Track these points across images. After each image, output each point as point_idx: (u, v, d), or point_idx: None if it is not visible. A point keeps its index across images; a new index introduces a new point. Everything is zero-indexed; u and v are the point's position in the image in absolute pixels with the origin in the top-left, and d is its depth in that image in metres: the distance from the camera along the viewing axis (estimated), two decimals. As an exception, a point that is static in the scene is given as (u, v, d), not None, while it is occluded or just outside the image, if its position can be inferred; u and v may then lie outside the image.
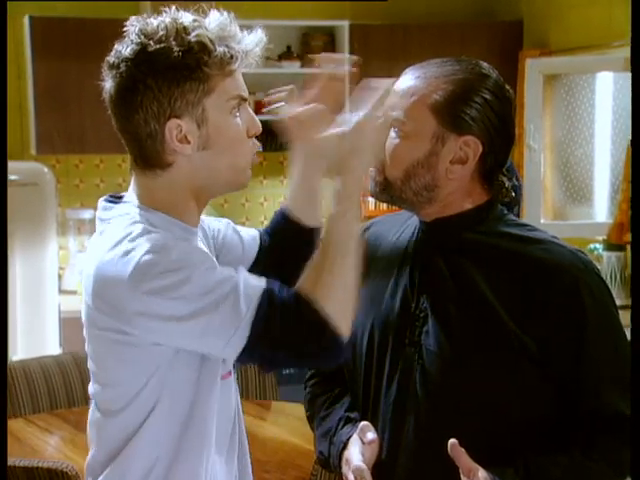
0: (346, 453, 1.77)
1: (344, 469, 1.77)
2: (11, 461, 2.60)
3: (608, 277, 4.47)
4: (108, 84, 1.60)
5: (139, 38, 1.56)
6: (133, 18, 1.60)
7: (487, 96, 1.71)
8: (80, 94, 4.66)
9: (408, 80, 1.75)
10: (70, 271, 4.92)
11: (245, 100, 1.65)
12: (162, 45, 1.55)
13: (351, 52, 5.02)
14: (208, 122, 1.60)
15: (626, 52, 4.21)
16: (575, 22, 4.92)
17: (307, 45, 5.24)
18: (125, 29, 1.59)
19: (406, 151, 1.73)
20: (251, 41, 1.62)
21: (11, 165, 3.51)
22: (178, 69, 1.55)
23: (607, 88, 4.90)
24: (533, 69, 4.94)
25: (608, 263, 4.56)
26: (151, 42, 1.55)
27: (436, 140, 1.71)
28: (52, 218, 4.63)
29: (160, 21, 1.57)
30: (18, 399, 3.60)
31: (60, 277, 4.84)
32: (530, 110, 4.95)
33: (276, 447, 3.10)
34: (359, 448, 1.75)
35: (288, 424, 3.35)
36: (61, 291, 4.77)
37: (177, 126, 1.57)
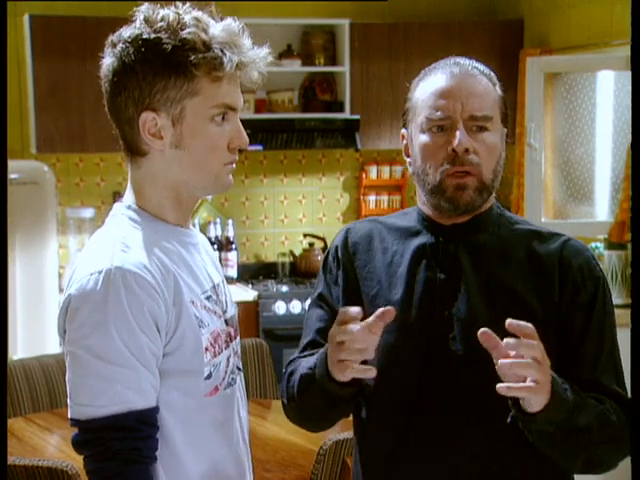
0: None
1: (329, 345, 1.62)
2: (11, 460, 2.60)
3: (609, 276, 4.45)
4: (105, 61, 1.63)
5: (140, 24, 1.59)
6: (146, 4, 1.63)
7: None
8: (80, 93, 4.66)
9: (465, 78, 1.71)
10: (70, 270, 4.91)
11: (234, 110, 1.63)
12: (157, 35, 1.57)
13: (351, 51, 5.02)
14: (184, 123, 1.60)
15: (627, 51, 4.20)
16: (576, 20, 4.91)
17: (307, 44, 5.23)
18: (135, 12, 1.62)
19: (494, 149, 1.72)
20: (252, 53, 1.61)
21: (11, 164, 3.50)
22: (166, 62, 1.57)
23: (608, 87, 4.89)
24: (534, 68, 4.94)
25: (609, 262, 4.55)
26: (149, 30, 1.58)
27: (504, 136, 1.75)
28: (52, 217, 4.62)
29: (166, 12, 1.60)
30: (18, 398, 3.60)
31: (60, 276, 4.83)
32: (531, 109, 4.95)
33: (277, 446, 3.10)
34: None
35: (289, 423, 3.32)
36: (61, 290, 4.75)
37: (152, 119, 1.60)
